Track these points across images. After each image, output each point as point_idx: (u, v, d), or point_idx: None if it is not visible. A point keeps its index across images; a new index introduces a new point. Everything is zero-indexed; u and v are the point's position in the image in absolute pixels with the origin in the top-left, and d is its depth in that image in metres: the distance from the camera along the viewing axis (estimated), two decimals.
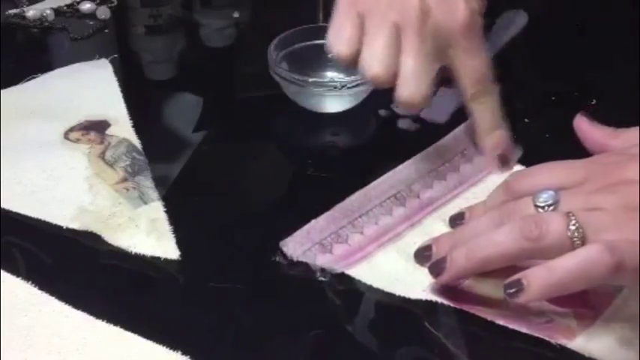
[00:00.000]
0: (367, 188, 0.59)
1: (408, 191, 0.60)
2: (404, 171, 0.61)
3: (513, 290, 0.49)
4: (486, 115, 0.61)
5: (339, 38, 0.59)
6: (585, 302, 0.51)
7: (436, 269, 0.52)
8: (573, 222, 0.48)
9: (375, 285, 0.54)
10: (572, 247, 0.48)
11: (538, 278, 0.48)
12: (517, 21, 0.80)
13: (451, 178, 0.62)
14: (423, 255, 0.54)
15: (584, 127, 0.57)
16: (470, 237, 0.52)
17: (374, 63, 0.58)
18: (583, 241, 0.48)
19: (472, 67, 0.60)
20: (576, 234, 0.48)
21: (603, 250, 0.47)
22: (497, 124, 0.61)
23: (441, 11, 0.58)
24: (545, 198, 0.51)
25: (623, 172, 0.50)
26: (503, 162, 0.62)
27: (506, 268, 0.51)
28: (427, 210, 0.60)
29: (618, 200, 0.49)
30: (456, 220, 0.56)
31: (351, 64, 0.60)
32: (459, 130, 0.64)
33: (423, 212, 0.60)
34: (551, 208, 0.50)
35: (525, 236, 0.49)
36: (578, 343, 0.50)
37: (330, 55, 0.61)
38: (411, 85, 0.58)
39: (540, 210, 0.50)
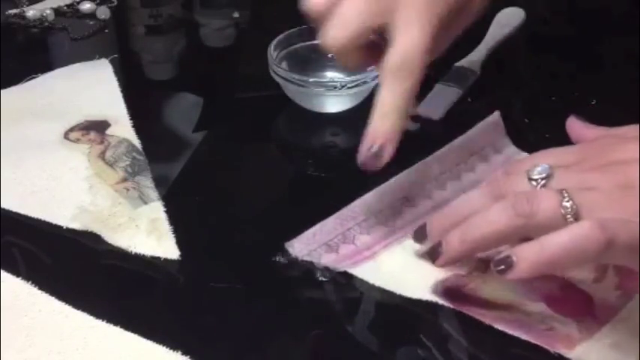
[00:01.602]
0: (377, 190, 0.59)
1: (419, 192, 0.60)
2: (416, 172, 0.60)
3: (502, 267, 0.48)
4: (395, 95, 0.54)
5: None
6: (590, 312, 0.51)
7: (433, 254, 0.53)
8: (567, 199, 0.47)
9: (378, 284, 0.54)
10: (566, 224, 0.47)
11: (528, 254, 0.47)
12: (514, 19, 0.80)
13: (466, 178, 0.61)
14: (421, 234, 0.54)
15: (577, 128, 0.56)
16: (462, 213, 0.52)
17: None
18: (576, 219, 0.47)
19: (408, 41, 0.53)
20: (570, 211, 0.47)
21: (595, 227, 0.46)
22: (399, 112, 0.54)
23: None
24: (539, 171, 0.50)
25: (617, 154, 0.50)
26: (374, 158, 0.54)
27: None
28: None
29: (612, 179, 0.48)
30: None
31: (318, 22, 0.56)
32: (476, 129, 0.63)
33: (434, 213, 0.59)
34: (545, 181, 0.50)
35: (518, 213, 0.48)
36: (577, 353, 0.49)
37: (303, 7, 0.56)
38: (335, 29, 0.54)
39: (534, 183, 0.50)
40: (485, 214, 0.50)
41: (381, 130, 0.54)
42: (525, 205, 0.48)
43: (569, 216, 0.47)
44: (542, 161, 0.51)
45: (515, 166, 0.53)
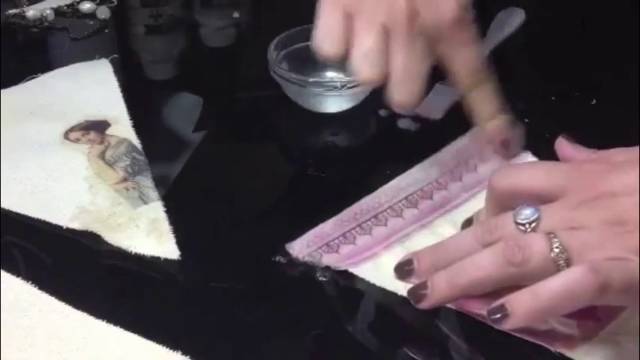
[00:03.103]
0: (377, 192, 0.59)
1: (420, 193, 0.60)
2: (416, 174, 0.60)
3: (498, 316, 0.47)
4: (485, 102, 0.60)
5: (327, 37, 0.58)
6: (592, 314, 0.50)
7: (416, 295, 0.51)
8: (556, 244, 0.47)
9: (378, 284, 0.54)
10: (557, 269, 0.46)
11: (522, 303, 0.47)
12: (514, 19, 0.80)
13: (467, 179, 0.61)
14: (403, 270, 0.53)
15: (566, 149, 0.55)
16: (452, 255, 0.51)
17: (365, 65, 0.57)
18: (568, 263, 0.46)
19: (465, 58, 0.58)
20: (560, 256, 0.46)
21: (587, 272, 0.45)
22: (496, 111, 0.60)
23: (429, 9, 0.57)
24: (526, 215, 0.49)
25: (605, 185, 0.48)
26: (506, 147, 0.61)
27: None
28: (439, 211, 0.59)
29: (600, 216, 0.47)
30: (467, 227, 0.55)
31: (340, 62, 0.59)
32: (476, 128, 0.62)
33: (435, 214, 0.59)
34: (533, 225, 0.48)
35: (509, 261, 0.48)
36: (578, 353, 0.49)
37: (318, 55, 0.59)
38: (404, 86, 0.57)
39: (521, 227, 0.49)
40: (474, 259, 0.49)
41: (497, 126, 0.60)
42: (516, 252, 0.47)
43: (560, 261, 0.46)
44: (525, 181, 0.51)
45: (498, 180, 0.52)
